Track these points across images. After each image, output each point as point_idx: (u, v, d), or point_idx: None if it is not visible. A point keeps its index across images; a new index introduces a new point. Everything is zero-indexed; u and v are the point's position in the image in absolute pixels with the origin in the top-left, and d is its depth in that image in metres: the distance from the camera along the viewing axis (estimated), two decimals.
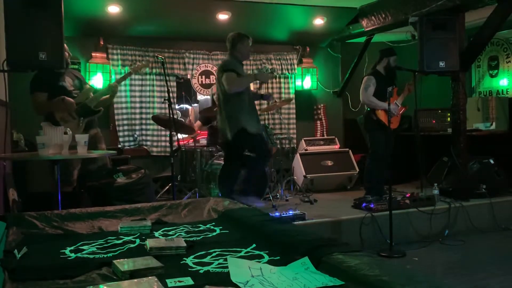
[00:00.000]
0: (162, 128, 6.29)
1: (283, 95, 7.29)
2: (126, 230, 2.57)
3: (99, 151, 4.44)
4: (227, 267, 1.85)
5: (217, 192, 5.25)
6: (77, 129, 4.36)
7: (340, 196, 6.26)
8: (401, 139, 6.69)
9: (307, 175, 6.47)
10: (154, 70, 6.56)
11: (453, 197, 5.44)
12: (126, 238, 2.42)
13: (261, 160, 4.91)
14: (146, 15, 6.24)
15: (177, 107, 6.72)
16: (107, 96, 4.66)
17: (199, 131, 6.27)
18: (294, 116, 7.35)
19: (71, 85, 4.57)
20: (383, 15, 6.31)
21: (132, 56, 6.43)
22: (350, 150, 6.93)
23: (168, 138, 5.44)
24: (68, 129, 3.92)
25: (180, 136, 5.66)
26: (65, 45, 4.48)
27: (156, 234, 2.52)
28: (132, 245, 2.29)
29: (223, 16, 6.45)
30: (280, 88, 7.31)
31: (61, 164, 3.92)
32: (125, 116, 6.44)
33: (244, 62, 7.04)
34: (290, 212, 4.72)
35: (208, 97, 6.98)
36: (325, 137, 7.39)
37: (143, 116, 6.53)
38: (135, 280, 1.68)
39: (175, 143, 4.92)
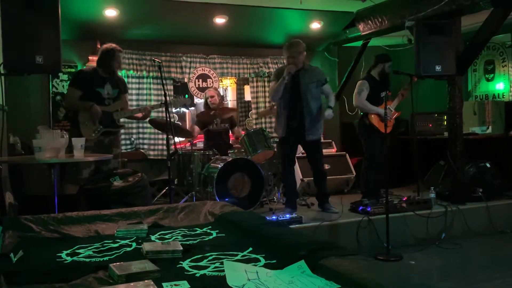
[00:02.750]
0: (159, 131, 6.29)
1: None
2: (122, 233, 2.57)
3: (98, 155, 4.45)
4: (223, 270, 1.85)
5: None
6: (90, 135, 4.52)
7: (337, 199, 6.24)
8: (398, 143, 6.71)
9: (304, 179, 6.46)
10: (151, 74, 6.56)
11: (449, 200, 5.45)
12: (123, 242, 2.42)
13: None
14: (143, 18, 6.24)
15: (174, 110, 6.71)
16: (140, 115, 5.06)
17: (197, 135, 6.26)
18: None
19: (108, 93, 4.76)
20: (380, 19, 6.33)
21: (129, 60, 6.43)
22: (347, 154, 6.93)
23: (165, 142, 5.44)
24: (65, 132, 3.93)
25: (177, 139, 5.65)
26: (119, 55, 4.82)
27: (153, 237, 2.52)
28: (128, 249, 2.29)
29: (220, 20, 6.46)
30: None
31: (68, 163, 3.98)
32: (122, 120, 6.41)
33: (241, 65, 7.11)
34: (287, 215, 4.72)
35: None
36: (322, 140, 7.37)
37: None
38: (131, 284, 1.68)
39: (172, 147, 4.92)
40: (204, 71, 6.91)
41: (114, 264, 1.89)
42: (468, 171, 5.72)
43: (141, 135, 6.57)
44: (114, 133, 4.89)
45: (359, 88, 5.54)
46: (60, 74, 6.16)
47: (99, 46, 6.28)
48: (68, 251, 2.24)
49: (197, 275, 1.84)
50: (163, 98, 4.63)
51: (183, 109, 7.10)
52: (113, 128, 4.80)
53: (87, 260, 2.10)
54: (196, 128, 6.19)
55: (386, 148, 4.97)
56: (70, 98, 4.72)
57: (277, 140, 5.29)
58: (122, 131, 6.39)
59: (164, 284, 1.68)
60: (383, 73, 5.57)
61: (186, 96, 6.41)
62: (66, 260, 2.12)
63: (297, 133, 5.06)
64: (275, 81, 5.08)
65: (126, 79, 6.39)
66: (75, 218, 2.89)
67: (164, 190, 6.06)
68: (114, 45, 4.84)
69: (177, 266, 1.96)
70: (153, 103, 6.53)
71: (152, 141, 6.58)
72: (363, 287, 1.55)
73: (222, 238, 2.48)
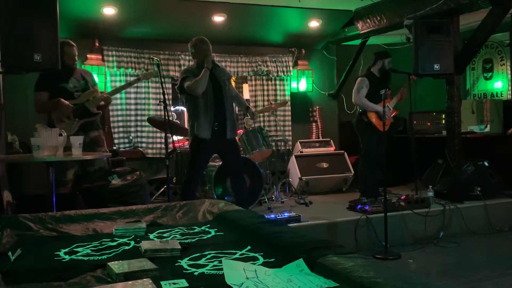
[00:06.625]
0: (157, 130, 6.28)
1: (278, 97, 7.30)
2: (120, 232, 2.57)
3: (94, 153, 4.44)
4: (222, 269, 1.85)
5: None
6: (69, 130, 4.41)
7: (335, 198, 6.27)
8: (396, 142, 6.72)
9: (302, 177, 6.48)
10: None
11: (447, 199, 5.46)
12: (121, 240, 2.42)
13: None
14: (141, 16, 6.23)
15: (172, 109, 6.71)
16: (102, 103, 4.80)
17: None
18: (290, 118, 7.35)
19: (75, 86, 4.66)
20: (378, 18, 6.33)
21: (128, 58, 6.42)
22: (345, 152, 6.95)
23: (163, 140, 5.43)
24: (63, 130, 3.92)
25: (175, 138, 5.64)
26: (74, 49, 4.67)
27: (151, 236, 2.52)
28: (126, 247, 2.29)
29: (218, 18, 6.46)
30: (275, 90, 7.31)
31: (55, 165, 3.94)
32: (120, 118, 6.42)
33: (239, 64, 7.11)
34: (285, 214, 4.72)
35: None
36: (321, 139, 7.40)
37: (138, 118, 6.52)
38: (130, 282, 1.67)
39: (171, 145, 4.92)
40: None
41: (113, 262, 1.88)
42: (466, 170, 5.73)
43: (139, 134, 6.56)
44: (94, 127, 4.73)
45: (358, 85, 5.54)
46: None
47: (97, 45, 6.29)
48: (66, 250, 2.24)
49: (196, 273, 1.83)
50: (162, 96, 4.61)
51: (182, 108, 7.09)
52: (89, 117, 4.63)
53: (85, 258, 2.10)
54: None
55: (384, 146, 4.98)
56: (37, 101, 4.55)
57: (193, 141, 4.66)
58: (121, 129, 6.40)
59: (162, 283, 1.67)
60: (383, 69, 5.57)
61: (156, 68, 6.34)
62: (64, 258, 2.11)
63: (219, 134, 4.60)
64: (190, 78, 4.54)
65: (124, 77, 6.39)
66: (73, 216, 2.88)
67: (163, 189, 6.07)
68: (63, 39, 4.67)
69: (176, 264, 1.96)
70: (151, 101, 6.53)
71: (150, 140, 6.57)
72: (361, 286, 1.56)
73: (221, 237, 2.48)
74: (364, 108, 5.51)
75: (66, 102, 4.47)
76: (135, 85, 6.47)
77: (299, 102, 7.53)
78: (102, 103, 4.80)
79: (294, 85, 7.43)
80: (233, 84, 7.50)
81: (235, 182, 4.86)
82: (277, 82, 7.32)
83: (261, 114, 7.12)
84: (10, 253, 2.09)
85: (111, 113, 6.34)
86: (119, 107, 6.40)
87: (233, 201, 4.48)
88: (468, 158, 5.81)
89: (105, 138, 4.97)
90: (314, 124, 7.62)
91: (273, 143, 6.20)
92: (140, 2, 6.06)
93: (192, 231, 2.61)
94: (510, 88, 7.04)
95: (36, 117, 5.84)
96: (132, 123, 6.52)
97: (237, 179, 4.83)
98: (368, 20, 6.52)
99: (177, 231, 2.62)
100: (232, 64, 7.09)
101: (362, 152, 5.64)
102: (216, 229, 2.62)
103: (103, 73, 6.29)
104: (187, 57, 6.76)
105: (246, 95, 7.57)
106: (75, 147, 3.79)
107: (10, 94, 5.25)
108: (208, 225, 2.74)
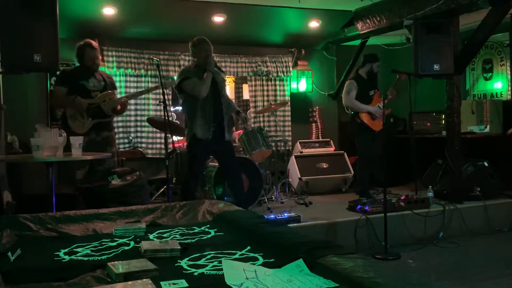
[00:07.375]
0: (157, 130, 6.28)
1: (278, 98, 7.29)
2: (120, 232, 2.57)
3: (96, 153, 4.43)
4: (221, 269, 1.85)
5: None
6: (82, 128, 4.51)
7: (335, 198, 6.26)
8: (396, 142, 6.72)
9: (302, 178, 6.48)
10: (149, 72, 6.55)
11: (447, 199, 5.46)
12: (121, 241, 2.42)
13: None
14: (141, 17, 6.23)
15: (172, 109, 6.70)
16: (119, 107, 4.90)
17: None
18: (290, 118, 7.35)
19: (94, 85, 4.75)
20: (378, 18, 6.33)
21: (127, 58, 6.42)
22: (345, 153, 6.94)
23: (163, 140, 5.43)
24: (63, 131, 3.92)
25: (175, 138, 5.64)
26: (96, 52, 4.78)
27: (151, 236, 2.52)
28: (126, 248, 2.29)
29: (218, 19, 6.46)
30: (275, 90, 7.31)
31: (62, 164, 3.97)
32: (120, 118, 6.41)
33: (239, 64, 7.11)
34: (285, 214, 4.72)
35: None
36: (320, 139, 7.39)
37: (138, 118, 6.52)
38: (130, 283, 1.67)
39: (170, 145, 4.92)
40: None
41: (112, 262, 1.88)
42: (466, 170, 5.73)
43: (139, 134, 6.56)
44: (106, 128, 4.82)
45: (348, 88, 5.64)
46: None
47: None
48: (66, 250, 2.24)
49: (195, 273, 1.84)
50: (161, 97, 4.61)
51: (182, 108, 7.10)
52: (103, 118, 4.72)
53: (85, 259, 2.10)
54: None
55: (381, 145, 4.98)
56: (55, 95, 4.71)
57: (190, 141, 4.70)
58: (121, 129, 6.40)
59: (162, 283, 1.67)
60: (371, 72, 5.67)
61: (175, 78, 6.41)
62: (64, 259, 2.11)
63: (217, 135, 4.64)
64: (191, 78, 4.60)
65: (124, 78, 6.40)
66: (73, 217, 2.88)
67: (162, 189, 6.06)
68: (87, 40, 4.81)
69: (175, 264, 1.96)
70: (151, 102, 6.53)
71: (150, 140, 6.57)
72: (361, 286, 1.56)
73: (220, 237, 2.48)
74: (355, 110, 5.59)
75: (83, 100, 4.56)
76: (135, 85, 6.49)
77: (299, 103, 7.53)
78: (119, 107, 4.90)
79: (294, 85, 7.43)
80: (232, 84, 7.55)
81: (233, 182, 4.88)
82: (277, 82, 7.32)
83: (261, 114, 7.13)
84: (10, 253, 2.09)
85: None
86: None
87: (233, 201, 4.48)
88: (468, 158, 5.81)
89: None
90: (314, 124, 7.62)
91: (273, 144, 6.20)
92: (140, 2, 6.06)
93: (191, 232, 2.61)
94: (509, 88, 7.04)
95: (36, 117, 5.87)
96: (132, 124, 6.52)
97: (235, 180, 4.85)
98: (368, 20, 6.52)
99: (177, 232, 2.62)
100: (232, 64, 7.08)
101: (359, 153, 5.69)
102: (215, 230, 2.63)
103: None
104: (187, 57, 6.76)
105: (246, 95, 7.58)
106: (75, 147, 3.79)
107: (10, 94, 5.25)
108: (208, 226, 2.74)
